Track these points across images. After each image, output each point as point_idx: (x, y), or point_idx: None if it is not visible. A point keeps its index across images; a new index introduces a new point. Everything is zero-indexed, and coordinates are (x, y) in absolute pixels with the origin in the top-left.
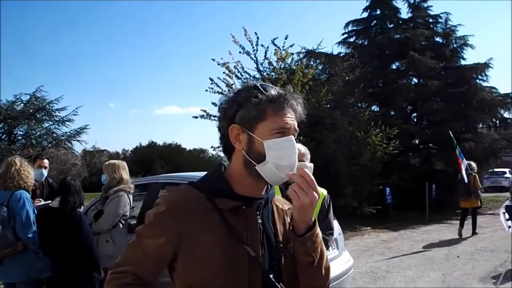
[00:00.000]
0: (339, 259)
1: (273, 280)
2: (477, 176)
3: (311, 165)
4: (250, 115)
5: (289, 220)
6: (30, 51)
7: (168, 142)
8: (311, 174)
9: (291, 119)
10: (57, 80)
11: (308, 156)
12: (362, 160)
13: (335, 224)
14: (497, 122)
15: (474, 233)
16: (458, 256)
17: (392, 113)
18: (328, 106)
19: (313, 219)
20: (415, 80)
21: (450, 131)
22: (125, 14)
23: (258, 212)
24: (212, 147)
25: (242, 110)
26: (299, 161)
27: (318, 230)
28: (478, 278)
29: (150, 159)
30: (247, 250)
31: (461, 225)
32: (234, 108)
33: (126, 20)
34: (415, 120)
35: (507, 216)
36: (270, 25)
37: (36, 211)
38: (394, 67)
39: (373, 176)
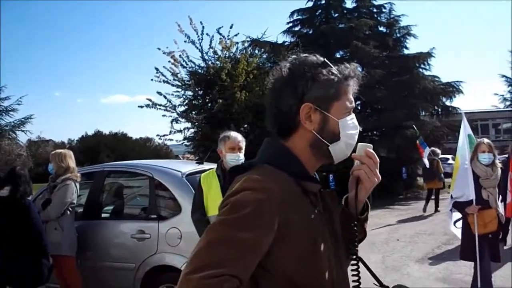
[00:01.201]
0: None
1: (361, 258)
2: (439, 161)
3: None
4: (329, 94)
5: None
6: None
7: (114, 131)
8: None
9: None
10: None
11: (244, 143)
12: None
13: None
14: (439, 110)
15: (436, 210)
16: (398, 239)
17: None
18: None
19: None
20: (359, 69)
21: (414, 125)
22: (70, 1)
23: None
24: (158, 135)
25: (318, 87)
26: (235, 149)
27: None
28: (415, 259)
29: (96, 148)
30: (336, 232)
31: (427, 202)
32: (307, 84)
33: (70, 7)
34: (359, 108)
35: (455, 215)
36: (215, 14)
37: None
38: (338, 56)
39: None
